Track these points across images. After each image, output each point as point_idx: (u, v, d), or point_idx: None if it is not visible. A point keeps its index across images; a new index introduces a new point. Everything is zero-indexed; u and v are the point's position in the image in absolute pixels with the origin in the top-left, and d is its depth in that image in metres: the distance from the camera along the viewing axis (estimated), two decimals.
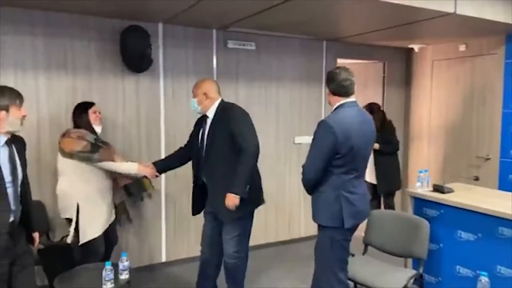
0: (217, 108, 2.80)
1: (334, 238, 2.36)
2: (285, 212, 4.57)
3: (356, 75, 2.41)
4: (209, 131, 2.80)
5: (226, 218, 2.75)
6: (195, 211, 2.98)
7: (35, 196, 2.80)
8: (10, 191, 2.10)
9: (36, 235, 2.38)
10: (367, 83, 5.34)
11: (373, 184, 4.38)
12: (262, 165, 2.92)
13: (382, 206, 4.53)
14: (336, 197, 2.31)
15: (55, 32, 3.28)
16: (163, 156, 3.63)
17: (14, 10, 3.11)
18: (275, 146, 4.44)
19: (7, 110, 2.10)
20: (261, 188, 2.91)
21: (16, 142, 2.21)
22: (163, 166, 3.10)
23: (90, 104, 2.98)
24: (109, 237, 3.06)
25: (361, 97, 4.63)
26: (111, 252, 3.14)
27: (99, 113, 3.01)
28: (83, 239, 2.82)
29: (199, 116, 2.94)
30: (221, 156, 2.73)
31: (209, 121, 2.82)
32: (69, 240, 2.85)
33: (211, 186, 2.84)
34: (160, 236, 3.89)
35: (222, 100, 2.85)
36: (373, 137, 2.49)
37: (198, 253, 3.07)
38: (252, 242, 3.04)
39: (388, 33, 4.05)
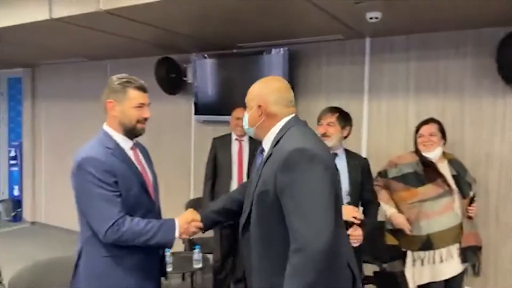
0: (278, 138, 1.50)
1: None
2: None
3: None
4: (259, 178, 1.50)
5: None
6: None
7: None
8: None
9: None
10: None
11: None
12: None
13: None
14: None
15: (428, 54, 3.19)
16: None
17: (392, 38, 3.31)
18: None
19: None
20: None
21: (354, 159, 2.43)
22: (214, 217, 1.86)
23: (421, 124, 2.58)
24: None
25: None
26: None
27: (431, 134, 2.47)
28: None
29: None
30: (264, 241, 1.48)
31: (262, 159, 1.57)
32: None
33: (248, 270, 1.59)
34: None
35: (292, 119, 1.55)
36: None
37: None
38: None
39: None
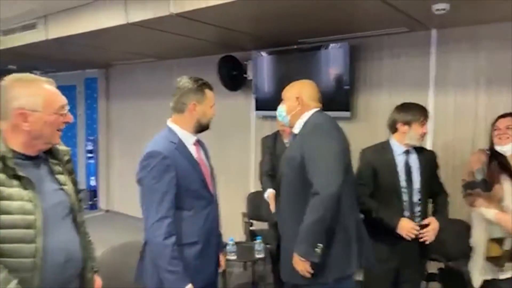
0: (307, 121, 2.03)
1: None
2: None
3: None
4: (285, 154, 2.14)
5: (285, 278, 2.08)
6: None
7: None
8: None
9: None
10: None
11: None
12: None
13: None
14: None
15: (500, 44, 3.03)
16: None
17: (459, 29, 3.18)
18: None
19: (409, 125, 2.34)
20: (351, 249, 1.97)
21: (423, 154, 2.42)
22: None
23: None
24: None
25: None
26: None
27: (508, 127, 2.31)
28: None
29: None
30: (291, 195, 2.01)
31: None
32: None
33: (281, 234, 2.14)
34: None
35: (318, 112, 2.06)
36: None
37: None
38: None
39: None
